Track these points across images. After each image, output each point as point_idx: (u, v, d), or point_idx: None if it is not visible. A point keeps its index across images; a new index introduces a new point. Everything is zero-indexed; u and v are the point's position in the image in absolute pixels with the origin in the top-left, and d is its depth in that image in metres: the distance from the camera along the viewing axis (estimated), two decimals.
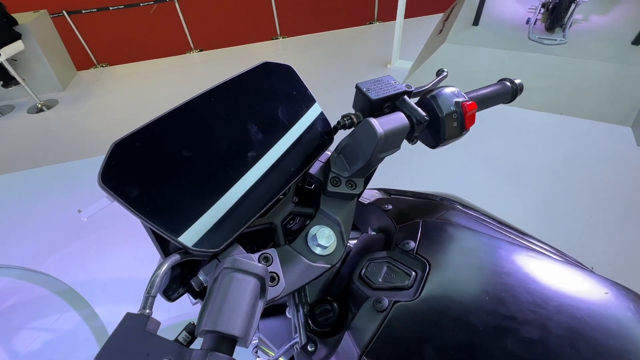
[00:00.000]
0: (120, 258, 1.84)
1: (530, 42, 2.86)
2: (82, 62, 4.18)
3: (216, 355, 0.27)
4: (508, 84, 0.58)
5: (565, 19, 2.87)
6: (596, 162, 2.21)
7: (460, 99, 0.48)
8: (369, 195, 0.64)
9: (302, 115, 0.47)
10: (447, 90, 0.49)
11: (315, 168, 0.47)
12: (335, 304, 0.44)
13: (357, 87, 0.47)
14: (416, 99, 0.51)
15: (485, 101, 0.54)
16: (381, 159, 0.45)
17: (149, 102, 3.43)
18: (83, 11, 3.86)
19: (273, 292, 0.38)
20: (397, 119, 0.43)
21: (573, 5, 2.78)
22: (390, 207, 0.56)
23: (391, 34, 3.37)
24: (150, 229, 0.35)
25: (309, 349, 0.43)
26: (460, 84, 0.53)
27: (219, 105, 0.41)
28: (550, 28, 2.96)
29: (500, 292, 0.38)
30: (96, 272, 1.79)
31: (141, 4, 3.97)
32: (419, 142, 0.52)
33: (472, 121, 0.49)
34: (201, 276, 0.38)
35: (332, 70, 3.64)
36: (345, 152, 0.45)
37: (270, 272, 0.39)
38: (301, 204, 0.49)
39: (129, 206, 0.33)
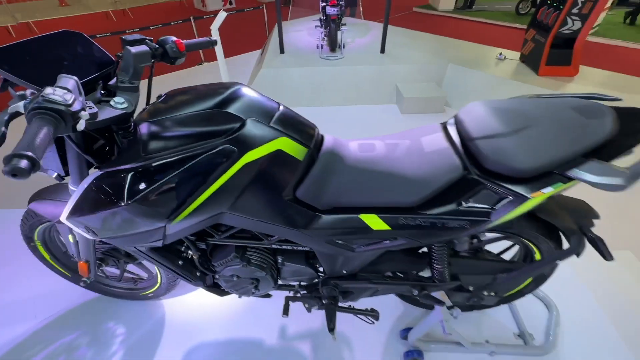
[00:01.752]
0: None
1: (322, 60, 3.86)
2: None
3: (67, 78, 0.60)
4: (207, 38, 1.06)
5: (339, 42, 4.02)
6: (381, 128, 3.21)
7: (175, 39, 0.93)
8: None
9: (96, 54, 0.85)
10: (170, 39, 0.94)
11: (112, 82, 0.81)
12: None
13: (121, 39, 0.86)
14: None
15: (191, 45, 1.00)
16: (142, 68, 0.82)
17: None
18: None
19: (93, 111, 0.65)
20: (142, 47, 0.82)
21: (339, 33, 3.95)
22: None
23: (219, 71, 3.86)
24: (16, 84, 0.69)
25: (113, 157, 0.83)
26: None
27: (46, 47, 0.78)
28: (332, 49, 4.07)
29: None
30: None
31: None
32: None
33: (183, 48, 0.95)
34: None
35: None
36: (123, 68, 0.80)
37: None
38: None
39: (7, 73, 0.67)
